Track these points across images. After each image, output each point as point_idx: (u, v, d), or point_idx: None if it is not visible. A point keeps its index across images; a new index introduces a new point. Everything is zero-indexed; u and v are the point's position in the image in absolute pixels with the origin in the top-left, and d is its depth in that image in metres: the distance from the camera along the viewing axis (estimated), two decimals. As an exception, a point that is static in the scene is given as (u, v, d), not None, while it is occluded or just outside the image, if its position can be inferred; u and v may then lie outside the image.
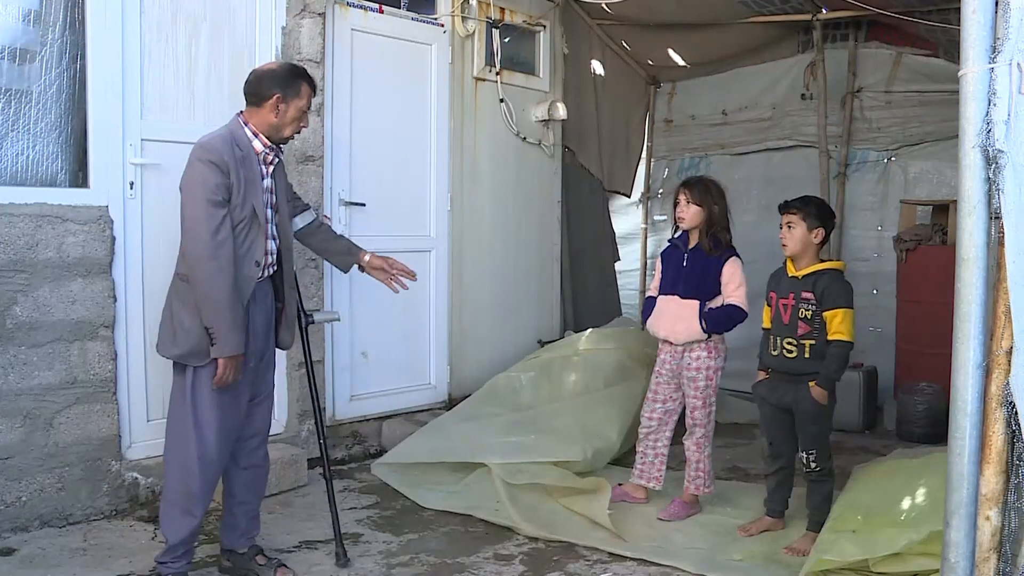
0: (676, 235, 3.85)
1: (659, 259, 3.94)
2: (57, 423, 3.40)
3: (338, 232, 3.41)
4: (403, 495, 3.97)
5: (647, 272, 7.07)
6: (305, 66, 4.10)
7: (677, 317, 3.70)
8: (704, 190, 3.70)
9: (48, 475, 3.38)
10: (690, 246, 3.74)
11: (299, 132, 2.98)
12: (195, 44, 3.86)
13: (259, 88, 2.86)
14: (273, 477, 3.64)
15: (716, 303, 3.67)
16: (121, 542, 3.30)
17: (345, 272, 3.41)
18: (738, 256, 3.72)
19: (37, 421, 3.35)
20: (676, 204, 3.75)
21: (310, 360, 3.29)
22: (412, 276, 3.37)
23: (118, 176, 3.59)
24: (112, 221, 3.54)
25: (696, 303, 3.65)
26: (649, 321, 3.83)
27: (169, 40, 3.77)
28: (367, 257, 3.31)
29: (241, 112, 2.90)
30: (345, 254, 3.33)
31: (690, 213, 3.69)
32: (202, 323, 2.72)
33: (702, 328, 3.63)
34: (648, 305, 3.89)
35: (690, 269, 3.71)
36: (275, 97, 2.83)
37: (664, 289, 3.81)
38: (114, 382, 3.56)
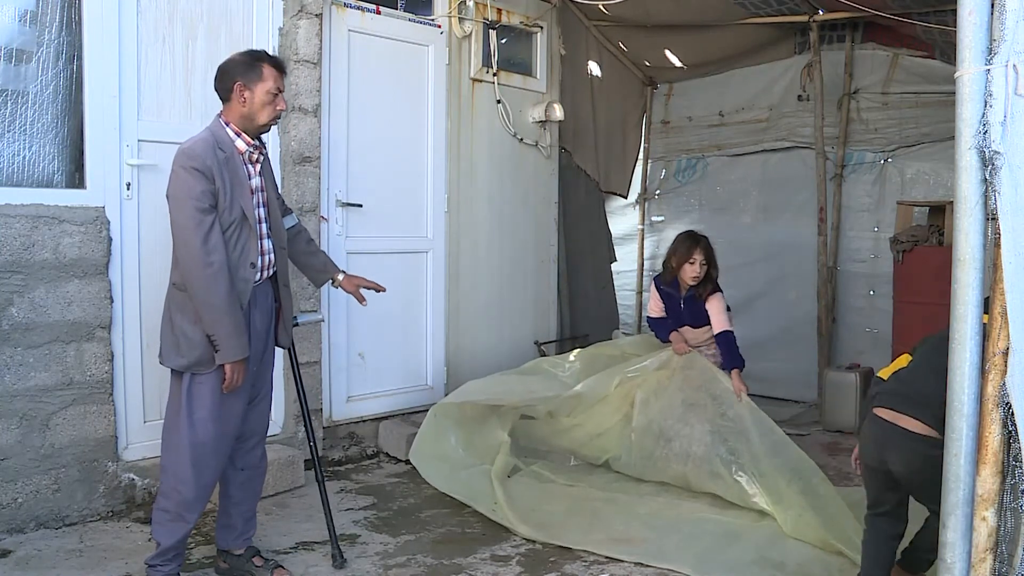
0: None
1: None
2: (53, 424, 3.39)
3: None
4: (399, 496, 3.97)
5: (644, 273, 7.09)
6: (302, 67, 4.15)
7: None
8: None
9: (44, 476, 3.38)
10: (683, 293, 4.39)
11: (278, 117, 2.88)
12: (192, 45, 3.86)
13: (223, 82, 2.83)
14: (270, 478, 3.63)
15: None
16: (117, 543, 3.29)
17: (318, 287, 3.41)
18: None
19: (33, 422, 3.34)
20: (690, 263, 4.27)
21: (296, 362, 3.29)
22: (381, 288, 3.33)
23: (115, 177, 3.58)
24: (109, 222, 3.54)
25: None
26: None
27: (166, 41, 3.77)
28: (340, 276, 3.28)
29: (220, 113, 2.87)
30: (320, 271, 3.28)
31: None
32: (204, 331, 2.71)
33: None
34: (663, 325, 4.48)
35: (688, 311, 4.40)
36: (237, 85, 2.79)
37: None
38: (111, 383, 3.56)
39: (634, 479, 4.23)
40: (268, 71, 2.82)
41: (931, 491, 2.75)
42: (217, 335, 2.69)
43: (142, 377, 3.70)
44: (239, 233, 2.78)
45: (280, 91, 2.86)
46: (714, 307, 4.28)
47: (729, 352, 4.21)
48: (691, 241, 4.30)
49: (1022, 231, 1.83)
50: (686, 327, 4.40)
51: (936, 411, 2.63)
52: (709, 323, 4.33)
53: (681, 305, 4.39)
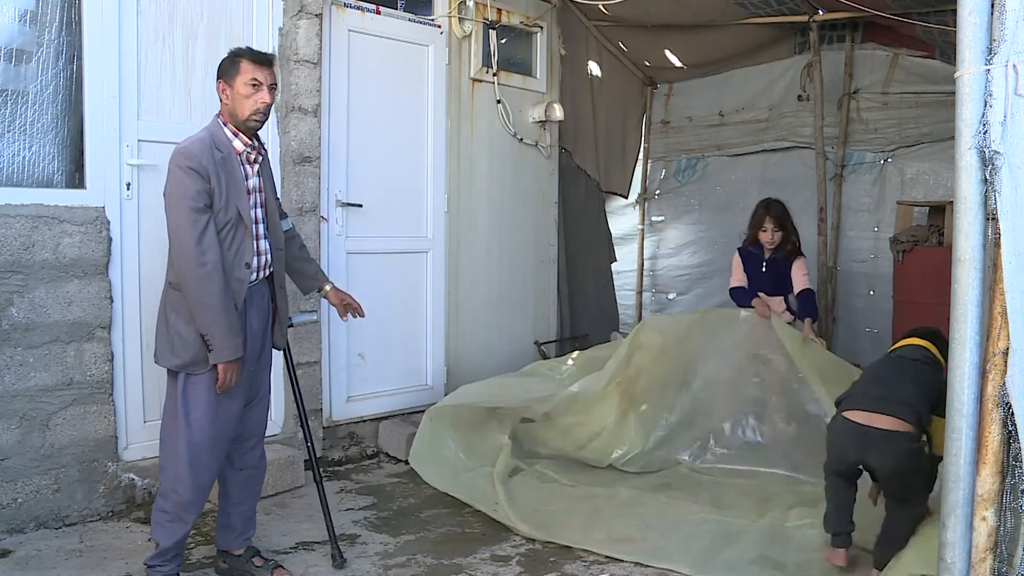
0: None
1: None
2: (53, 424, 3.39)
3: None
4: (399, 496, 3.97)
5: (644, 273, 7.09)
6: (302, 67, 4.15)
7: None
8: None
9: (44, 476, 3.38)
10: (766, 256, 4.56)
11: (260, 110, 2.82)
12: (192, 45, 3.86)
13: (215, 84, 2.88)
14: (270, 478, 3.64)
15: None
16: (117, 543, 3.29)
17: (304, 294, 3.42)
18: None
19: (33, 422, 3.34)
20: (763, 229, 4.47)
21: (292, 364, 3.30)
22: (361, 315, 3.34)
23: (115, 177, 3.58)
24: (109, 222, 3.54)
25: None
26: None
27: (166, 41, 3.77)
28: (328, 287, 3.28)
29: (219, 112, 2.88)
30: (311, 278, 3.29)
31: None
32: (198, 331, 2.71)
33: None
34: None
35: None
36: (220, 84, 2.84)
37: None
38: (110, 383, 3.56)
39: (635, 476, 4.24)
40: (245, 64, 2.81)
41: (912, 481, 2.92)
42: (211, 335, 2.69)
43: (142, 377, 3.70)
44: (234, 233, 2.78)
45: (259, 82, 2.81)
46: (797, 269, 4.47)
47: (807, 306, 4.38)
48: (762, 208, 4.53)
49: (1022, 231, 1.83)
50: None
51: (919, 410, 2.88)
52: (785, 292, 4.47)
53: (763, 268, 4.51)
